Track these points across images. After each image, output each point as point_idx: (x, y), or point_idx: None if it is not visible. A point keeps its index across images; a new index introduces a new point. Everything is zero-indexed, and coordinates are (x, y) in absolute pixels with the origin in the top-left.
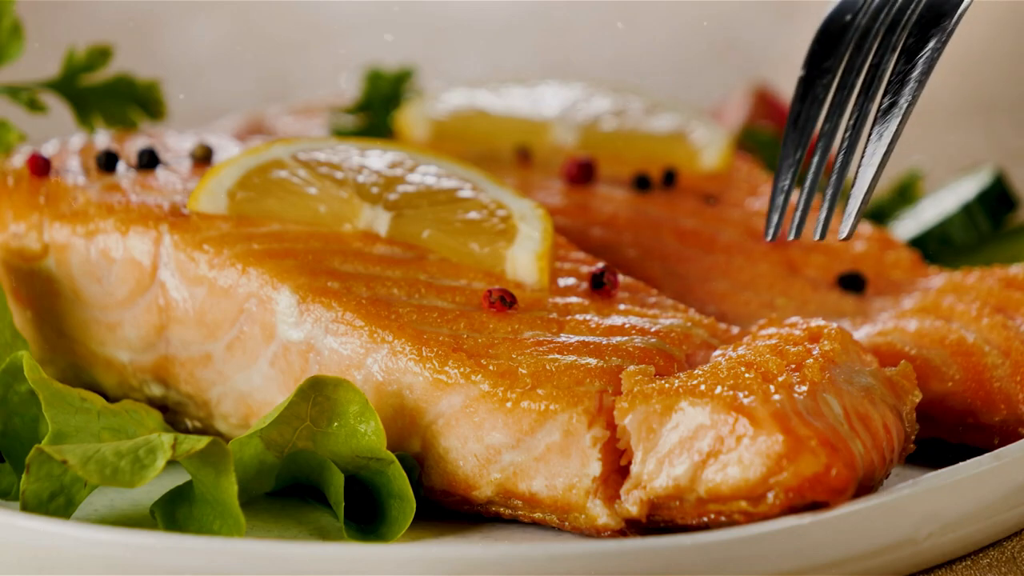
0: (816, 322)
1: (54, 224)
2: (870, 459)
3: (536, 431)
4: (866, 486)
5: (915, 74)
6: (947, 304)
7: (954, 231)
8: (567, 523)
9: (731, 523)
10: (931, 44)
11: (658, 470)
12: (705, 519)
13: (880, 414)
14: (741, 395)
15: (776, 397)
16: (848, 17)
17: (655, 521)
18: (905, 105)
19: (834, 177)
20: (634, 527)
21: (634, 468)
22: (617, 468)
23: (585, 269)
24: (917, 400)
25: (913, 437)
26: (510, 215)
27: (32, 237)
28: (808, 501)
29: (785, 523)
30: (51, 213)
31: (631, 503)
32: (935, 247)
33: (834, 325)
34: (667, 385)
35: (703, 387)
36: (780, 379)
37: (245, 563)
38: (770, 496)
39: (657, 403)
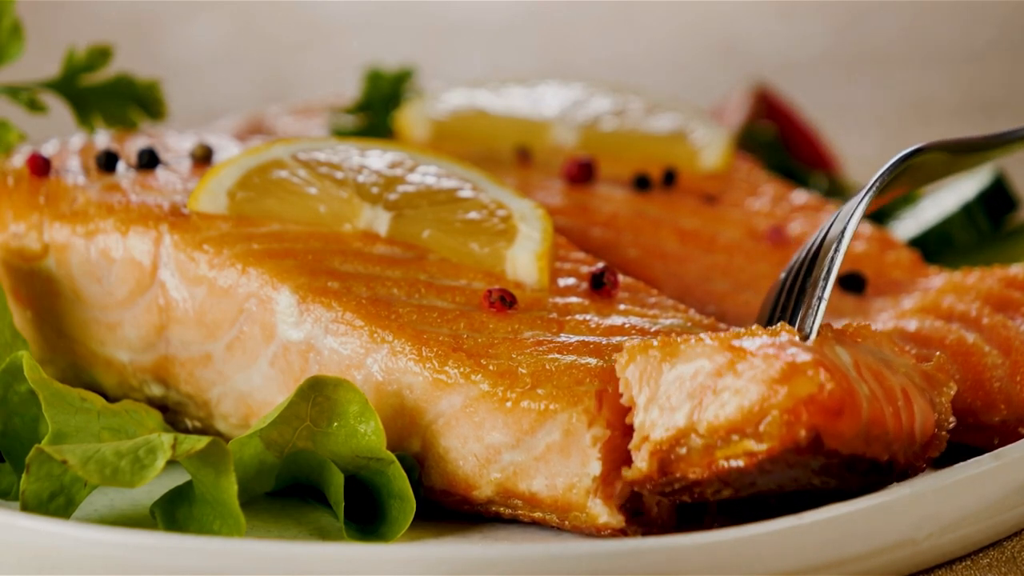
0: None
1: (54, 224)
2: (879, 409)
3: (536, 431)
4: (876, 439)
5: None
6: (947, 304)
7: (954, 231)
8: (567, 523)
9: (741, 476)
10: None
11: (659, 416)
12: (715, 470)
13: (899, 382)
14: (742, 339)
15: (779, 340)
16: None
17: (671, 483)
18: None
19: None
20: (635, 524)
21: (636, 419)
22: (617, 468)
23: (585, 269)
24: (952, 392)
25: (947, 429)
26: (510, 215)
27: (32, 237)
28: (809, 429)
29: (785, 523)
30: (51, 213)
31: (640, 460)
32: (935, 247)
33: (864, 323)
34: (667, 339)
35: (704, 337)
36: (785, 337)
37: (245, 563)
38: (766, 423)
39: (657, 351)
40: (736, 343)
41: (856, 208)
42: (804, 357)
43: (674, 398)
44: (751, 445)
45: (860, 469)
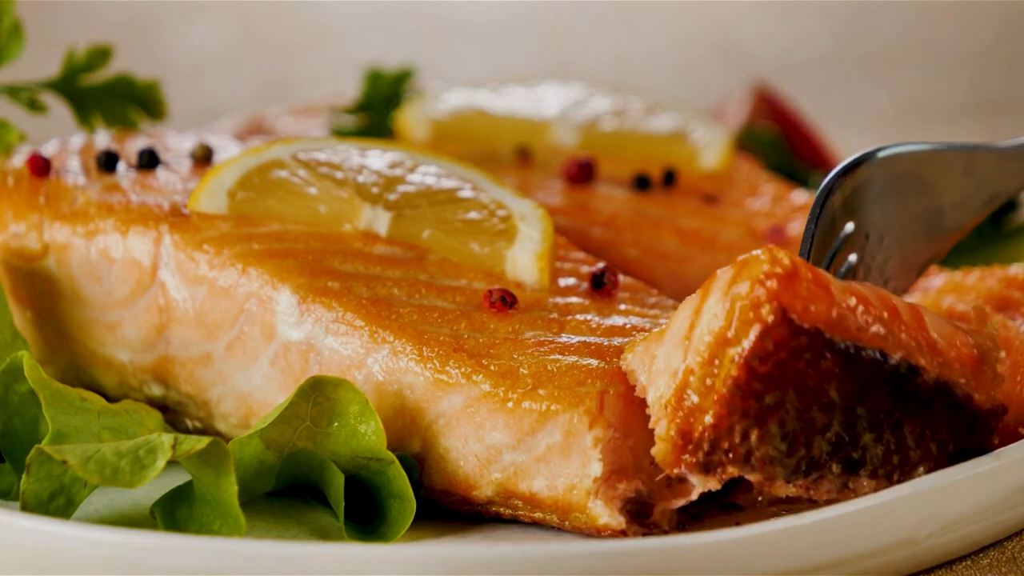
0: None
1: (54, 224)
2: (862, 294)
3: (537, 431)
4: (868, 327)
5: None
6: (947, 304)
7: None
8: (567, 523)
9: (758, 405)
10: None
11: (661, 374)
12: (721, 401)
13: (907, 304)
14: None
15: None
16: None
17: (699, 447)
18: None
19: None
20: (634, 525)
21: (649, 396)
22: (618, 470)
23: (585, 269)
24: (996, 325)
25: (999, 360)
26: (510, 215)
27: (32, 237)
28: (771, 303)
29: (785, 523)
30: (51, 213)
31: (660, 436)
32: None
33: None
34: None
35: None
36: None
37: (245, 563)
38: (735, 323)
39: (655, 336)
40: (706, 284)
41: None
42: (756, 252)
43: (670, 357)
44: (733, 352)
45: (917, 391)
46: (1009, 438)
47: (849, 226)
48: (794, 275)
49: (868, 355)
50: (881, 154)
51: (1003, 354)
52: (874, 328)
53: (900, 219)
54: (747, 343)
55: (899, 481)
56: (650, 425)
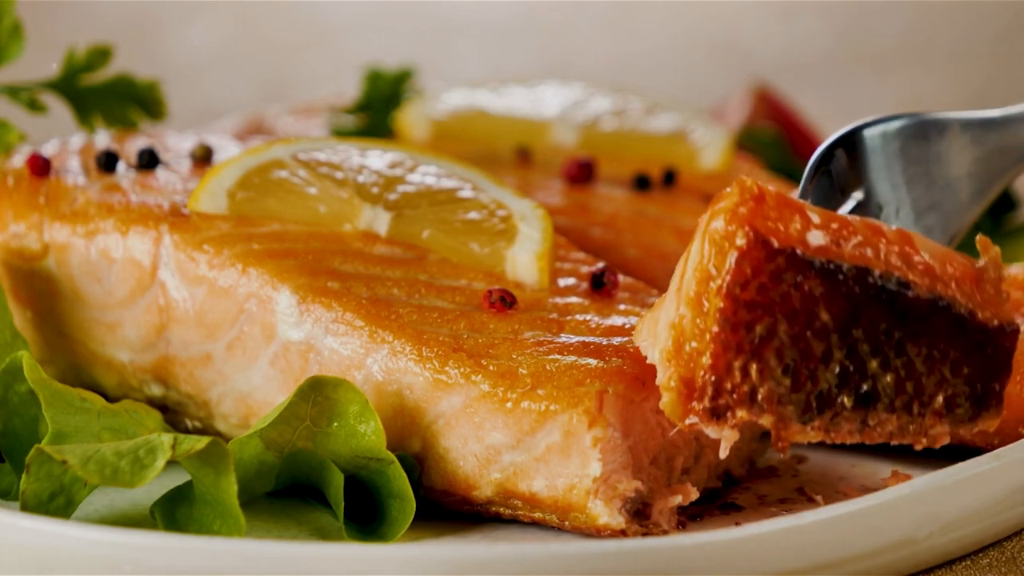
0: None
1: (54, 224)
2: (841, 218)
3: (536, 431)
4: (847, 242)
5: None
6: None
7: None
8: (567, 523)
9: (749, 335)
10: None
11: (661, 330)
12: (714, 339)
13: (894, 228)
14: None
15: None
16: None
17: (703, 393)
18: None
19: None
20: (634, 525)
21: (654, 355)
22: (618, 469)
23: (585, 269)
24: (997, 253)
25: (999, 281)
26: (510, 215)
27: (32, 237)
28: (742, 227)
29: (785, 523)
30: (51, 213)
31: (664, 382)
32: None
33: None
34: None
35: None
36: None
37: (245, 563)
38: (712, 257)
39: (656, 304)
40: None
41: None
42: (728, 189)
43: (668, 311)
44: (715, 285)
45: (912, 308)
46: (1009, 438)
47: (858, 194)
48: (762, 198)
49: (850, 272)
50: (884, 124)
51: (1011, 270)
52: (853, 243)
53: (912, 190)
54: (726, 272)
55: (921, 415)
56: (656, 381)
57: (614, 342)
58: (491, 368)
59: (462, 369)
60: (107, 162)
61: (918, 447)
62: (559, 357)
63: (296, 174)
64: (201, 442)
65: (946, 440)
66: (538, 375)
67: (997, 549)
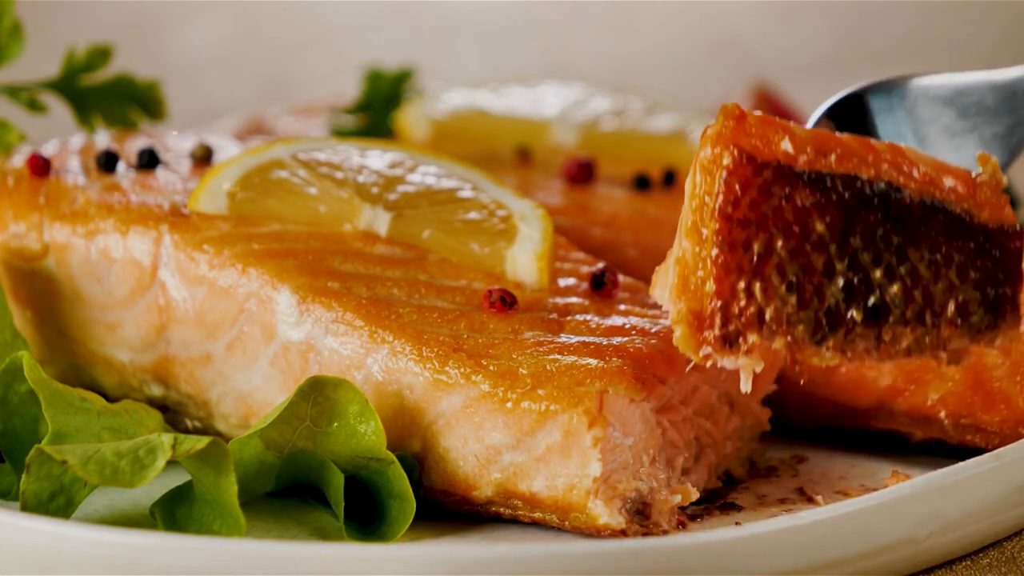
0: None
1: (54, 224)
2: (829, 143)
3: (536, 431)
4: (830, 150)
5: None
6: None
7: None
8: (567, 523)
9: (728, 245)
10: None
11: (668, 271)
12: (716, 258)
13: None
14: None
15: None
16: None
17: (713, 315)
18: None
19: None
20: (634, 525)
21: (663, 296)
22: (617, 469)
23: (585, 269)
24: (995, 163)
25: (999, 185)
26: (510, 215)
27: (32, 237)
28: (728, 147)
29: (785, 523)
30: (51, 213)
31: (674, 315)
32: None
33: None
34: None
35: None
36: None
37: (245, 563)
38: (704, 181)
39: (668, 255)
40: None
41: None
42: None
43: (674, 251)
44: (708, 209)
45: (907, 211)
46: (1009, 438)
47: None
48: (743, 117)
49: (839, 179)
50: (891, 84)
51: (1006, 179)
52: (839, 153)
53: (934, 150)
54: (717, 193)
55: (935, 326)
56: (669, 320)
57: (614, 342)
58: (491, 368)
59: (462, 369)
60: (107, 162)
61: (942, 366)
62: (559, 357)
63: (296, 174)
64: (201, 442)
65: (969, 356)
66: (538, 375)
67: (997, 549)
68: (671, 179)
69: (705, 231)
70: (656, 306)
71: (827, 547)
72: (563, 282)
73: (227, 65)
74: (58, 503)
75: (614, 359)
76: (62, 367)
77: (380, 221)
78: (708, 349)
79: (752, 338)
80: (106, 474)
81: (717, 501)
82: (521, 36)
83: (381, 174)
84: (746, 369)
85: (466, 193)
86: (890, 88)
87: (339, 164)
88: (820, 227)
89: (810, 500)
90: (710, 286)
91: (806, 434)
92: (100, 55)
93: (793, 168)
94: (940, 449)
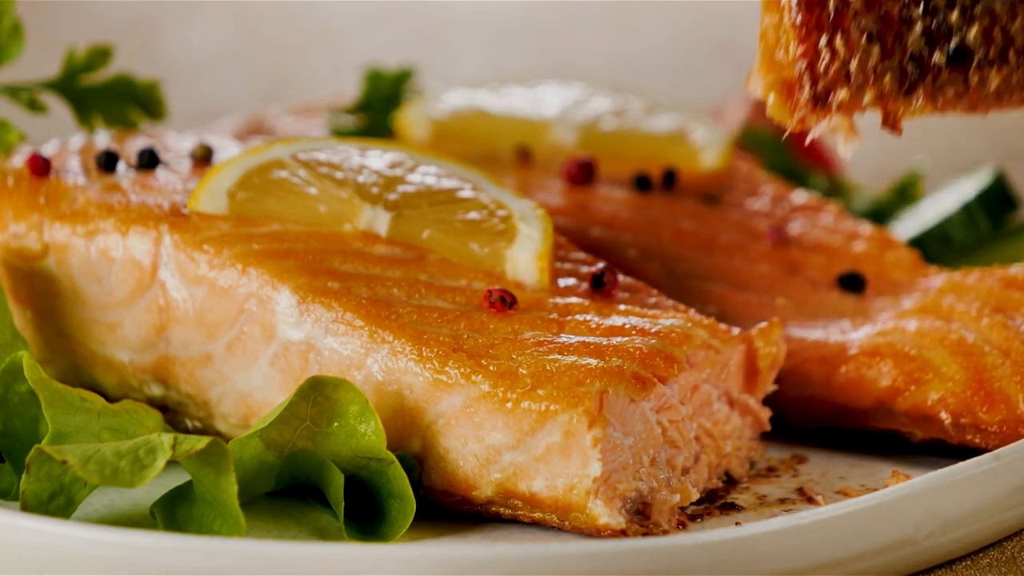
0: None
1: (54, 224)
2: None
3: (536, 431)
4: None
5: None
6: (947, 304)
7: (954, 231)
8: (567, 523)
9: (805, 5)
10: None
11: (758, 53)
12: (793, 27)
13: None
14: None
15: None
16: None
17: (804, 74)
18: None
19: None
20: (634, 525)
21: (755, 84)
22: (617, 469)
23: (585, 269)
24: None
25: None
26: (510, 215)
27: (32, 237)
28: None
29: (785, 523)
30: (51, 213)
31: (766, 85)
32: (935, 247)
33: None
34: None
35: None
36: None
37: (245, 563)
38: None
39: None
40: None
41: None
42: None
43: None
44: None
45: None
46: (1009, 438)
47: None
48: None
49: None
50: None
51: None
52: None
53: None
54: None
55: (1020, 65)
56: (759, 96)
57: (614, 342)
58: (491, 368)
59: (462, 369)
60: (107, 162)
61: None
62: (559, 357)
63: (296, 174)
64: (201, 442)
65: None
66: (538, 375)
67: (997, 549)
68: (671, 179)
69: (783, 1)
70: (656, 306)
71: (827, 547)
72: (563, 282)
73: (227, 65)
74: (58, 503)
75: (614, 359)
76: (62, 367)
77: (380, 221)
78: (801, 112)
79: (842, 93)
80: (106, 474)
81: (717, 501)
82: (521, 36)
83: (381, 174)
84: (839, 129)
85: (466, 193)
86: None
87: (339, 164)
88: None
89: (810, 500)
90: (794, 49)
91: (806, 434)
92: (100, 55)
93: None
94: (940, 449)
